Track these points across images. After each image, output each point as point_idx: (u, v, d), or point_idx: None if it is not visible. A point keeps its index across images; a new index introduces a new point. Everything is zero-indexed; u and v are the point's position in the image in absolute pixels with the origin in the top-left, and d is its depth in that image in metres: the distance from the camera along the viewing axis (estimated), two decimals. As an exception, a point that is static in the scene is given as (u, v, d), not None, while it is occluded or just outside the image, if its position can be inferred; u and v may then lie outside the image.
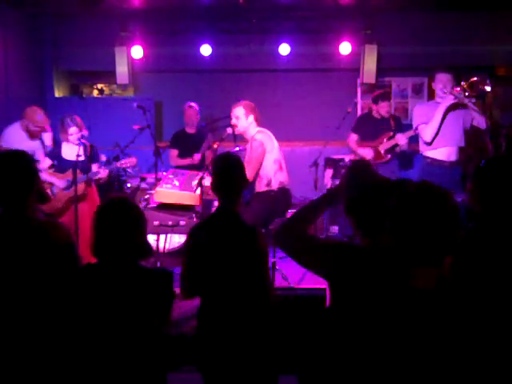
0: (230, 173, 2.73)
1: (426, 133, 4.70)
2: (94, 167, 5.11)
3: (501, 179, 2.23)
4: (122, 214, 2.20)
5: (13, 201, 2.34)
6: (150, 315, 2.17)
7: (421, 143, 4.89)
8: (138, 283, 2.18)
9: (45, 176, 4.95)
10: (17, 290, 2.28)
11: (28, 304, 2.28)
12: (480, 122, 4.72)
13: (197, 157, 6.02)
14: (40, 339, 2.28)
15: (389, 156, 5.67)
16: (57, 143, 5.25)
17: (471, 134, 4.98)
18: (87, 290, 2.16)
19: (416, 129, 4.88)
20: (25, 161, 2.40)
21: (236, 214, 2.69)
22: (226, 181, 2.71)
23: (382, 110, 5.82)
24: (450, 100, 4.57)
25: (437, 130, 4.66)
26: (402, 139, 5.48)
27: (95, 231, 2.20)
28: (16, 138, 5.20)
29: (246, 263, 2.57)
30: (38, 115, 5.21)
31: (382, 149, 5.67)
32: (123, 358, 2.13)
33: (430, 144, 4.75)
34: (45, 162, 5.07)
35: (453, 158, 4.75)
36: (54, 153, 5.10)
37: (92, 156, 5.13)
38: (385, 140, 5.68)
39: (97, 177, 5.02)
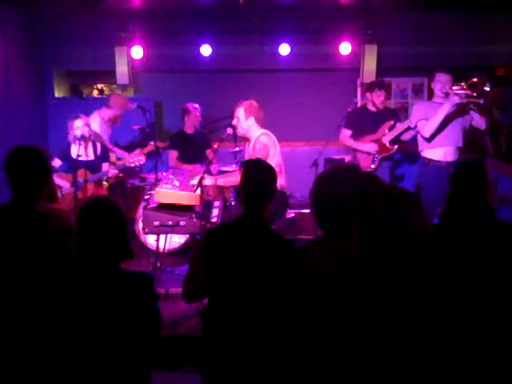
0: (266, 181, 2.61)
1: (426, 129, 4.69)
2: (105, 166, 5.11)
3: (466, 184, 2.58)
4: (101, 215, 2.13)
5: (24, 195, 2.35)
6: (129, 318, 2.10)
7: (420, 141, 4.88)
8: (116, 286, 2.12)
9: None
10: (18, 280, 2.30)
11: (27, 292, 2.30)
12: (479, 122, 4.72)
13: (198, 167, 5.94)
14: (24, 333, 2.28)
15: (395, 147, 5.42)
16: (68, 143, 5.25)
17: (472, 134, 4.98)
18: (66, 292, 2.11)
19: (415, 126, 4.86)
20: (40, 158, 2.42)
21: (267, 223, 2.58)
22: (261, 189, 2.58)
23: (378, 99, 5.51)
24: (455, 100, 4.57)
25: (437, 126, 4.64)
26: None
27: (76, 231, 2.14)
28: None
29: (275, 274, 2.42)
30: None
31: (385, 140, 5.44)
32: (100, 359, 2.08)
33: (428, 141, 4.74)
34: (54, 163, 5.07)
35: (450, 158, 4.76)
36: (64, 153, 5.10)
37: (103, 155, 5.14)
38: (387, 130, 5.44)
39: (106, 177, 5.03)
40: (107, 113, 5.75)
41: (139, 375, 2.17)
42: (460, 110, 4.69)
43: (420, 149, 4.90)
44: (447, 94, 4.62)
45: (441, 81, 4.72)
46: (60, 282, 2.14)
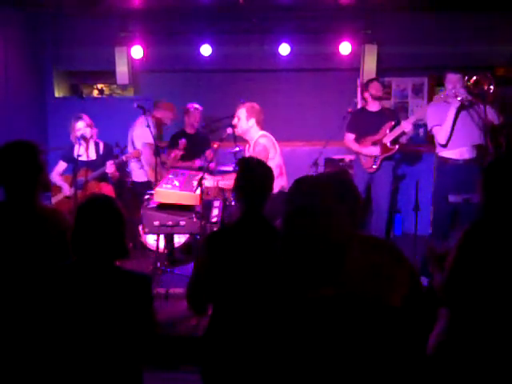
0: (264, 178, 2.62)
1: (441, 136, 4.85)
2: (109, 164, 5.13)
3: (504, 179, 2.39)
4: (101, 212, 2.12)
5: (19, 191, 2.34)
6: (124, 316, 2.10)
7: (437, 145, 5.02)
8: (113, 284, 2.12)
9: (56, 179, 4.98)
10: (18, 277, 2.30)
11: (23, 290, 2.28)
12: (493, 116, 4.80)
13: (197, 162, 5.99)
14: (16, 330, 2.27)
15: (396, 147, 5.52)
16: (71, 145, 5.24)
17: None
18: (62, 288, 2.10)
19: (430, 130, 5.00)
20: (33, 152, 2.39)
21: (267, 220, 2.57)
22: (260, 187, 2.59)
23: (374, 89, 5.60)
24: (457, 103, 4.72)
25: (450, 131, 4.80)
26: (407, 126, 5.39)
27: (74, 228, 2.14)
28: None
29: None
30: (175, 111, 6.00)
31: (387, 141, 5.52)
32: (94, 357, 2.07)
33: (445, 146, 4.88)
34: (60, 166, 5.09)
35: (466, 155, 4.86)
36: (68, 155, 5.11)
37: (106, 154, 5.15)
38: (388, 131, 5.52)
39: (104, 171, 5.03)
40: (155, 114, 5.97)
41: (130, 374, 2.15)
42: (470, 107, 4.82)
43: (437, 151, 5.05)
44: (456, 94, 4.74)
45: (451, 81, 4.88)
46: (56, 278, 2.12)
